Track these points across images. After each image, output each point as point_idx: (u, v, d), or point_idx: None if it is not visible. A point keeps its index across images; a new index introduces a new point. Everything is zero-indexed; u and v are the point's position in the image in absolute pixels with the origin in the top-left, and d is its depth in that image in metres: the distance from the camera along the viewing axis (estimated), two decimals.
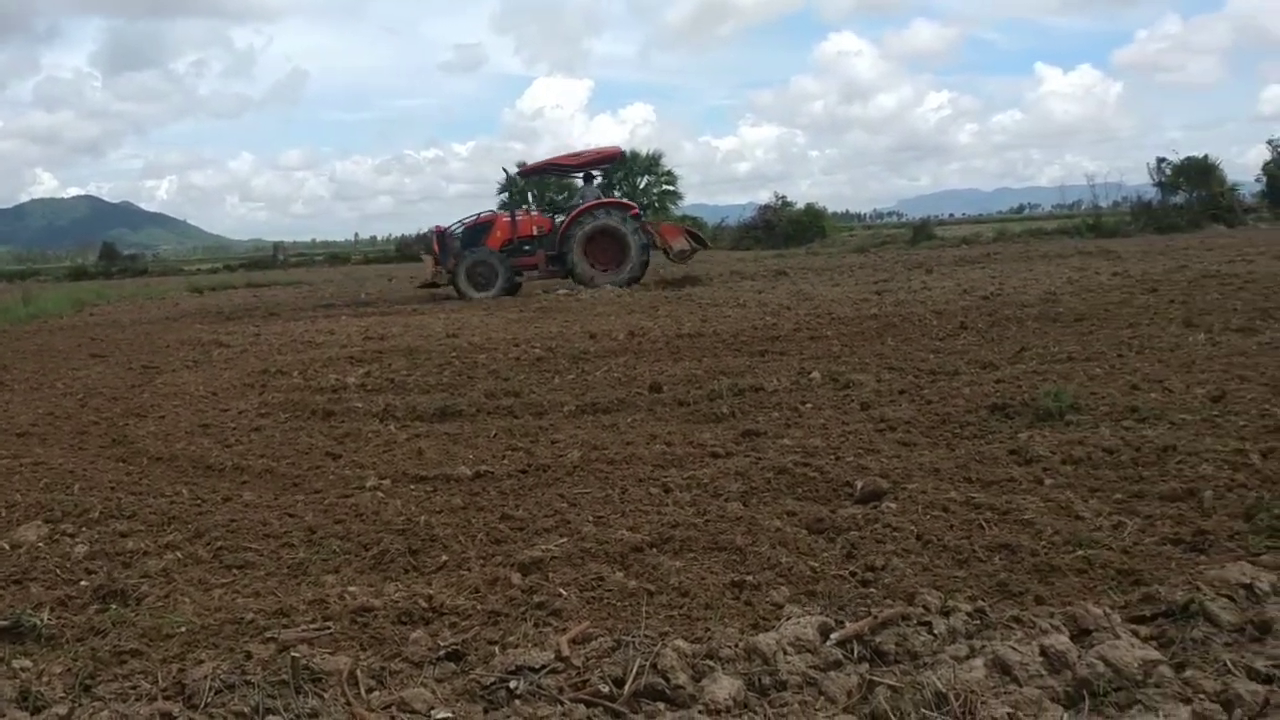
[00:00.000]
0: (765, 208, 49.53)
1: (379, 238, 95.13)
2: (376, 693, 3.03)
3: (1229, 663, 2.91)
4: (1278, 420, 5.82)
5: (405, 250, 52.57)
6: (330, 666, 3.12)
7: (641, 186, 55.28)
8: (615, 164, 23.62)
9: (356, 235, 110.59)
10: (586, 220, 21.84)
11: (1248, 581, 3.35)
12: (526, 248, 22.18)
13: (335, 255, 56.52)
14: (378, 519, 4.96)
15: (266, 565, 4.43)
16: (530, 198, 23.65)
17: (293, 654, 3.12)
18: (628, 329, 12.72)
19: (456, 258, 21.64)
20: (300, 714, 2.85)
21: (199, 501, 5.51)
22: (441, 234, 22.54)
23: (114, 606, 3.96)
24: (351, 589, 3.97)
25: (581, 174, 23.73)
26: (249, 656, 3.22)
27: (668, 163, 56.96)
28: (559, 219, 22.74)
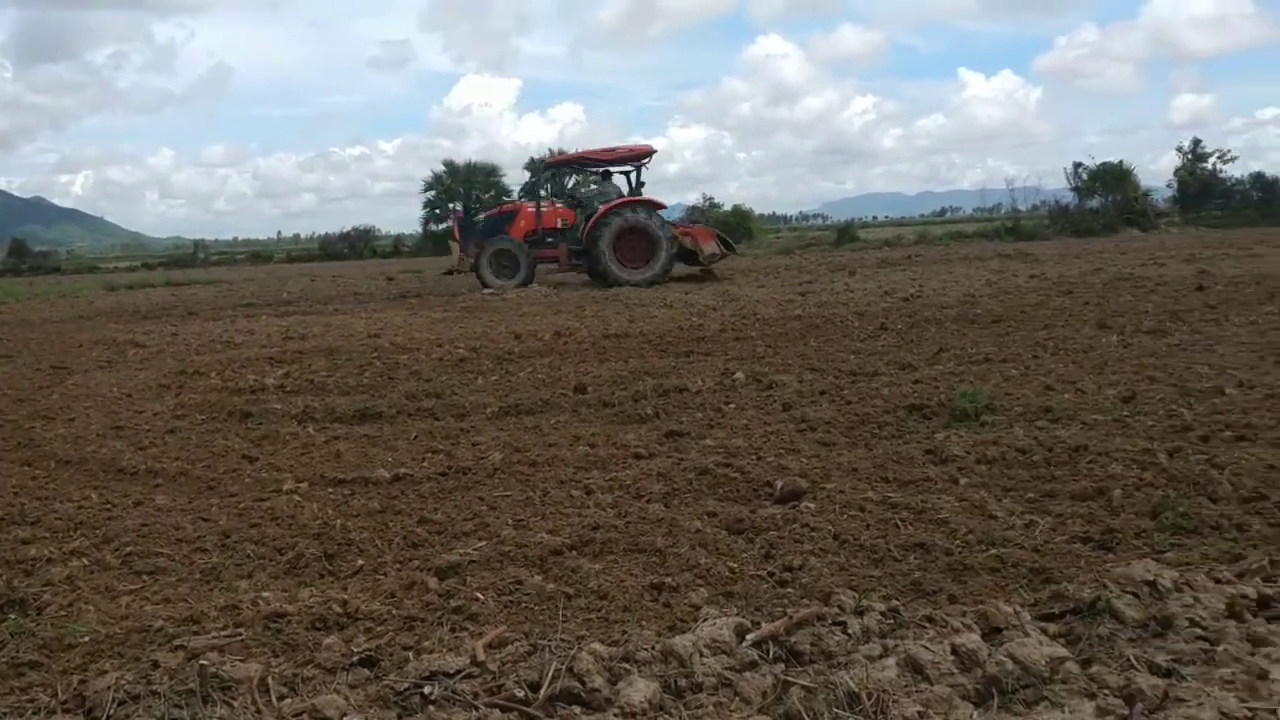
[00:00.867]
0: (693, 209, 49.71)
1: (302, 236, 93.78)
2: (288, 700, 2.98)
3: (1132, 658, 2.98)
4: (1184, 420, 5.98)
5: (329, 249, 51.86)
6: (240, 674, 3.06)
7: (570, 185, 55.24)
8: (646, 162, 22.82)
9: (279, 233, 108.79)
10: (616, 216, 21.43)
11: (1151, 578, 3.43)
12: (549, 240, 21.95)
13: (258, 254, 55.61)
14: (294, 523, 4.88)
15: (177, 571, 4.34)
16: (549, 190, 23.08)
17: (201, 662, 3.05)
18: (553, 329, 12.69)
19: (479, 245, 21.33)
20: None
21: (109, 506, 5.37)
22: (462, 220, 22.30)
23: (12, 617, 3.84)
24: (265, 594, 3.91)
25: (603, 170, 23.23)
26: (155, 666, 3.14)
27: None
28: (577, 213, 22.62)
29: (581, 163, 23.58)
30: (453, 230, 22.34)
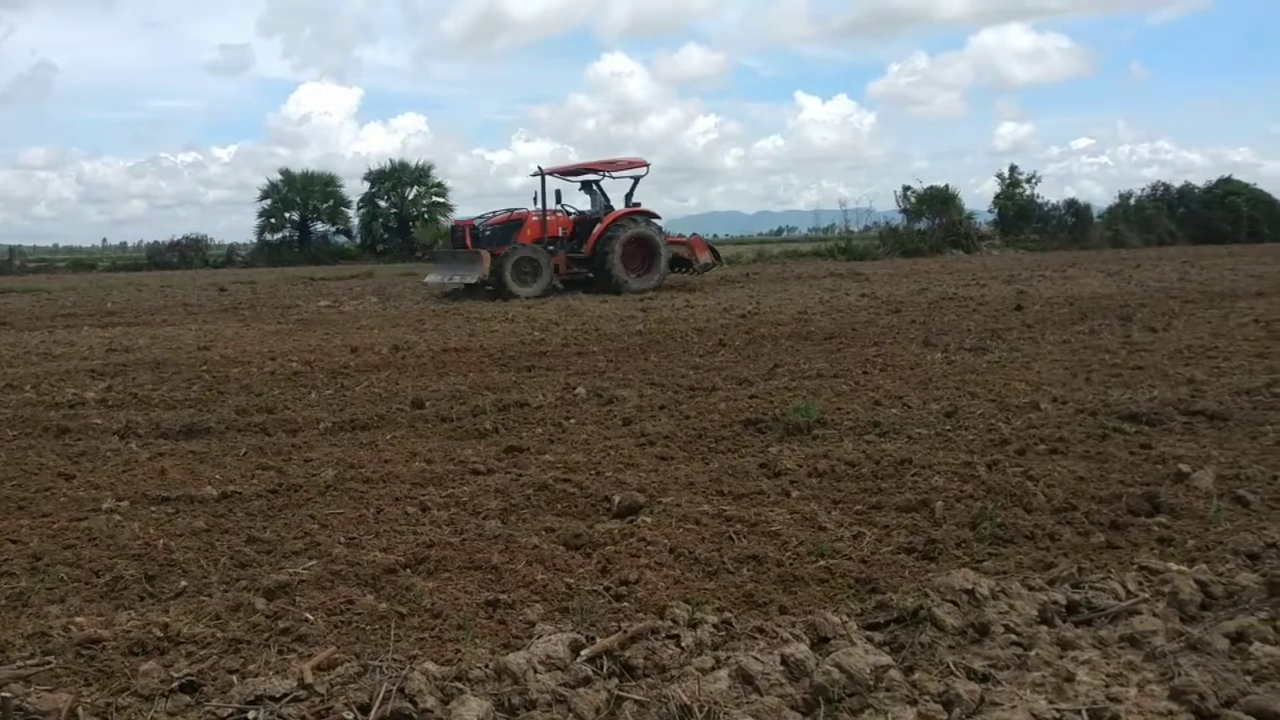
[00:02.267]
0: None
1: (130, 244, 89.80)
2: None
3: (951, 664, 3.10)
4: (1002, 434, 6.28)
5: (157, 258, 49.79)
6: (48, 705, 2.90)
7: (411, 197, 54.45)
8: (643, 173, 23.44)
9: (105, 241, 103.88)
10: (623, 227, 22.08)
11: (970, 587, 3.58)
12: (550, 248, 21.77)
13: (80, 261, 52.97)
14: (112, 543, 4.65)
15: None
16: (555, 199, 22.72)
17: (3, 694, 2.88)
18: (392, 343, 12.47)
19: (495, 254, 20.89)
20: None
21: None
22: (474, 230, 21.77)
23: None
24: (79, 619, 3.70)
25: (591, 181, 23.33)
26: None
27: (439, 174, 56.35)
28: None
29: (581, 173, 23.45)
30: (464, 239, 21.74)
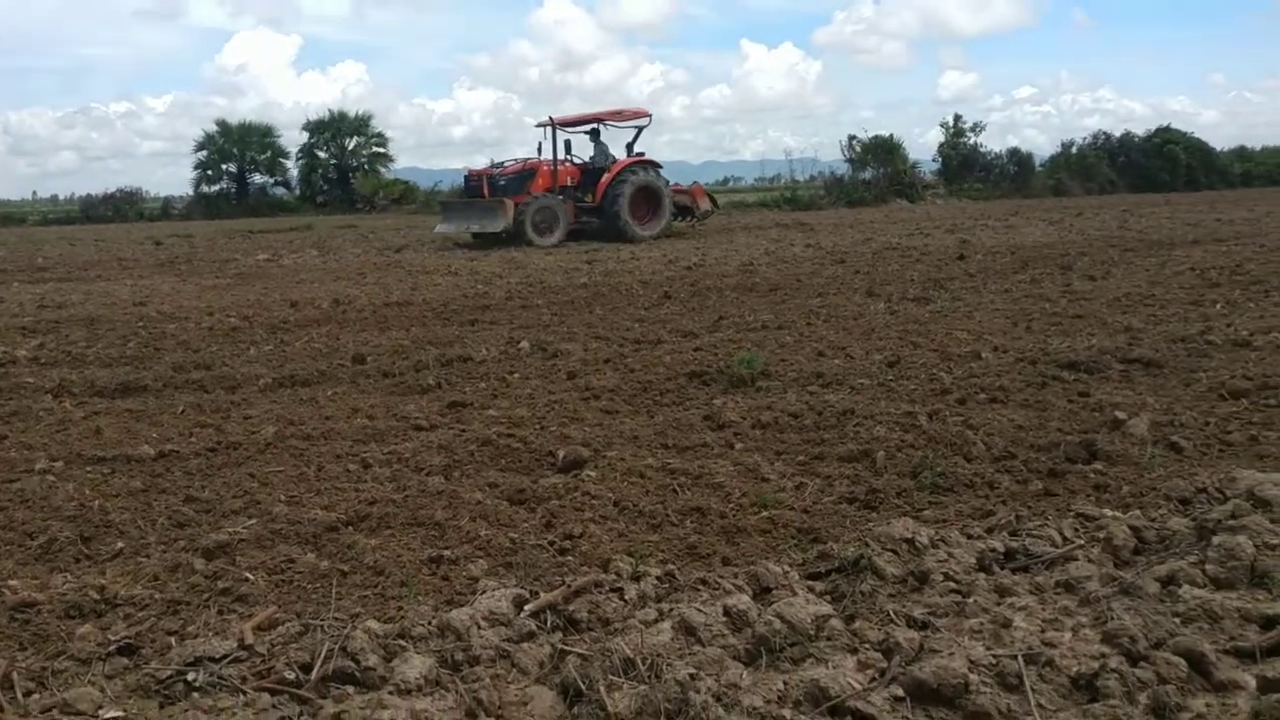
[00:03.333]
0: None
1: (61, 197, 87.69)
2: (36, 695, 2.80)
3: (891, 612, 3.14)
4: (944, 384, 6.34)
5: (90, 211, 48.63)
6: None
7: (350, 148, 53.61)
8: (646, 123, 23.75)
9: (35, 194, 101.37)
10: (630, 175, 22.26)
11: (910, 536, 3.62)
12: (560, 197, 21.77)
13: (9, 216, 51.53)
14: (46, 505, 4.57)
15: None
16: (566, 149, 22.57)
17: None
18: (332, 297, 12.31)
19: (516, 202, 20.82)
20: None
21: None
22: (490, 178, 21.65)
23: None
24: (12, 583, 3.63)
25: (593, 130, 23.39)
26: None
27: (379, 124, 55.48)
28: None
29: (589, 123, 23.48)
30: (481, 189, 21.51)
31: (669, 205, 22.94)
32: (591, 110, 24.23)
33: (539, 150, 22.26)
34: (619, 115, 23.66)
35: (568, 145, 22.83)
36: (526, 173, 21.89)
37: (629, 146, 23.56)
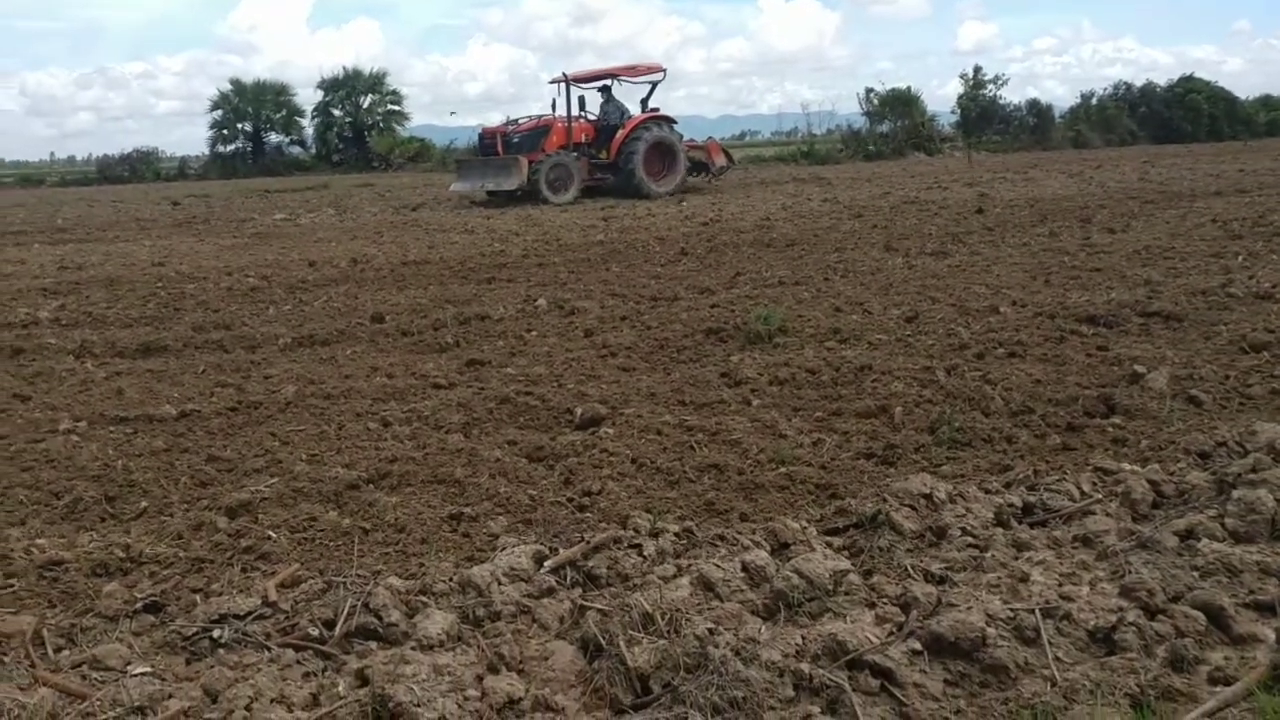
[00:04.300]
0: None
1: (79, 158, 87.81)
2: (66, 651, 2.85)
3: (909, 567, 3.16)
4: (962, 339, 6.33)
5: (108, 172, 48.69)
6: (11, 628, 2.91)
7: (365, 106, 53.40)
8: (660, 78, 23.65)
9: (53, 155, 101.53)
10: (645, 132, 22.09)
11: (928, 491, 3.64)
12: (574, 155, 21.70)
13: (28, 177, 51.62)
14: (71, 465, 4.62)
15: None
16: (580, 105, 22.43)
17: None
18: (350, 256, 12.31)
19: (530, 159, 20.75)
20: None
21: None
22: (505, 136, 21.61)
23: None
24: (39, 542, 3.69)
25: (605, 86, 23.26)
26: None
27: (393, 81, 55.12)
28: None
29: (604, 78, 23.34)
30: (495, 147, 21.48)
31: (684, 161, 22.73)
32: (605, 66, 24.05)
33: (553, 107, 22.11)
34: (633, 70, 23.46)
35: (581, 101, 22.63)
36: (541, 129, 21.77)
37: (643, 102, 23.37)
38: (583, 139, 22.29)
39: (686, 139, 23.67)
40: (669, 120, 23.04)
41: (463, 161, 24.56)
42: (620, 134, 22.09)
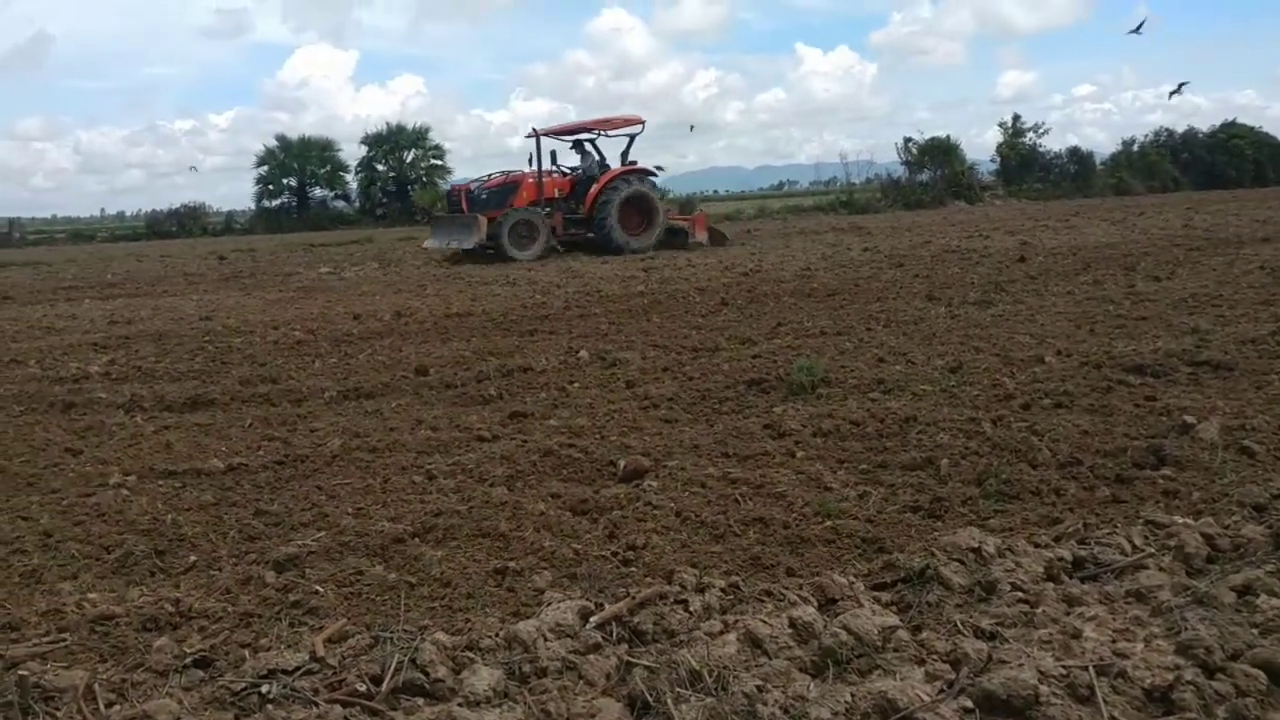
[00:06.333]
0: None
1: (128, 213, 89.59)
2: (117, 706, 2.86)
3: (959, 623, 3.11)
4: (1007, 389, 6.27)
5: (156, 227, 49.63)
6: (64, 682, 2.93)
7: (409, 160, 54.23)
8: (638, 131, 23.36)
9: (103, 211, 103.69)
10: (621, 186, 21.88)
11: (976, 545, 3.59)
12: (548, 209, 21.67)
13: (79, 233, 52.80)
14: (121, 519, 4.67)
15: None
16: (551, 160, 22.46)
17: (20, 671, 2.90)
18: (394, 309, 12.46)
19: (493, 217, 20.75)
20: None
21: None
22: (470, 194, 21.65)
23: None
24: (91, 596, 3.73)
25: (581, 140, 23.21)
26: None
27: (437, 136, 56.05)
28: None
29: (577, 131, 23.30)
30: (460, 203, 21.64)
31: (661, 217, 22.47)
32: (583, 120, 23.84)
33: (529, 162, 21.95)
34: (608, 124, 23.08)
35: (553, 156, 22.51)
36: (509, 185, 21.70)
37: (623, 155, 23.03)
38: (556, 194, 22.07)
39: (678, 213, 23.70)
40: (648, 173, 22.78)
41: (437, 218, 24.48)
42: (594, 188, 21.87)
